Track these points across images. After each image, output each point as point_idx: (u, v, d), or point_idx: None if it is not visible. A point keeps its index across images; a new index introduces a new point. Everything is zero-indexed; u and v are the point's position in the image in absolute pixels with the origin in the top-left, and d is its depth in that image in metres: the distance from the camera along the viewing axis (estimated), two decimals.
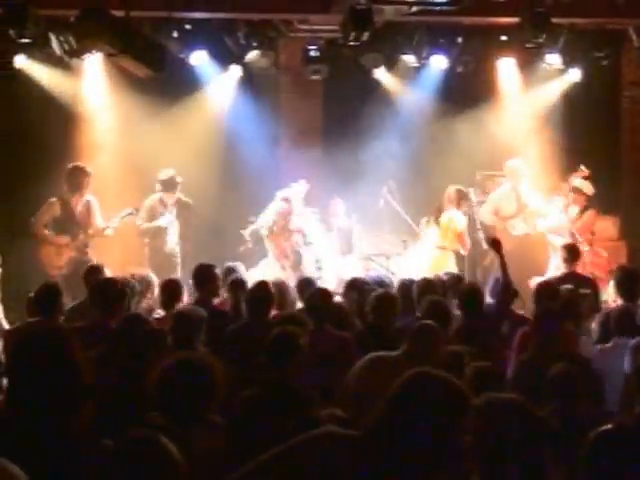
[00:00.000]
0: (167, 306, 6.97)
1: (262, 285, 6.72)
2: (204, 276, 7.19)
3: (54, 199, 10.13)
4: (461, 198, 10.49)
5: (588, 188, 10.66)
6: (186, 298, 7.52)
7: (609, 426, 3.13)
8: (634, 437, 3.13)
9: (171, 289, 7.11)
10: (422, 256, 10.60)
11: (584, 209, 10.66)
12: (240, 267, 8.27)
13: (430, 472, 2.63)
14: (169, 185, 10.54)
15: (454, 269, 10.02)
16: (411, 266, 10.41)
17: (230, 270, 7.94)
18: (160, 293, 7.21)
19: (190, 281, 7.49)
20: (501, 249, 7.10)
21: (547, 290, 6.87)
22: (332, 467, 2.65)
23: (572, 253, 8.42)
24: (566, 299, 6.74)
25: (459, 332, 6.26)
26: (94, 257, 9.89)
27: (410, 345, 5.26)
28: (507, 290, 6.80)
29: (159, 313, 7.14)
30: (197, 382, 3.69)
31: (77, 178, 10.13)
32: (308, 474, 2.67)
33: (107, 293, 6.34)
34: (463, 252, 10.50)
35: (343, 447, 2.69)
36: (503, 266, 6.89)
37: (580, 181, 10.68)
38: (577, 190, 10.64)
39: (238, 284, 7.29)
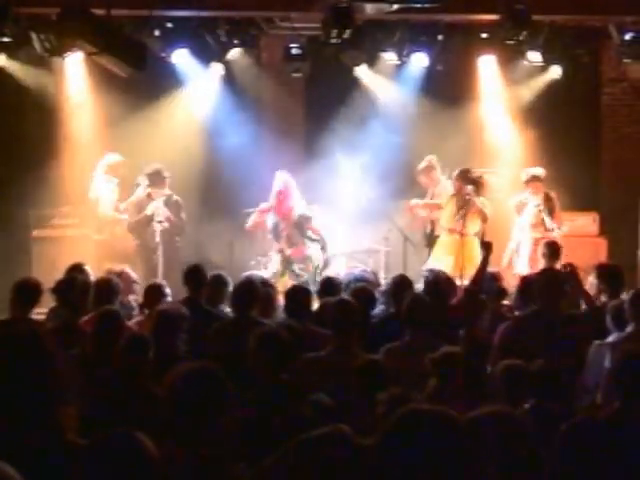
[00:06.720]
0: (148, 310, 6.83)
1: (247, 282, 6.70)
2: (195, 276, 7.05)
3: None
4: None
5: (539, 171, 10.51)
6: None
7: (579, 418, 3.18)
8: (604, 430, 3.18)
9: (152, 294, 6.95)
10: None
11: (546, 196, 10.43)
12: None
13: None
14: (155, 178, 10.36)
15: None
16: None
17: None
18: (143, 297, 7.09)
19: (164, 281, 7.43)
20: (490, 252, 7.15)
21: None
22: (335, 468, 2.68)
23: (551, 249, 8.44)
24: None
25: None
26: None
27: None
28: (476, 291, 6.81)
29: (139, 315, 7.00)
30: (213, 392, 3.63)
31: None
32: (312, 471, 2.69)
33: (67, 292, 6.27)
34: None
35: (349, 453, 2.72)
36: (483, 267, 6.98)
37: (529, 170, 10.59)
38: (533, 179, 10.47)
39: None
